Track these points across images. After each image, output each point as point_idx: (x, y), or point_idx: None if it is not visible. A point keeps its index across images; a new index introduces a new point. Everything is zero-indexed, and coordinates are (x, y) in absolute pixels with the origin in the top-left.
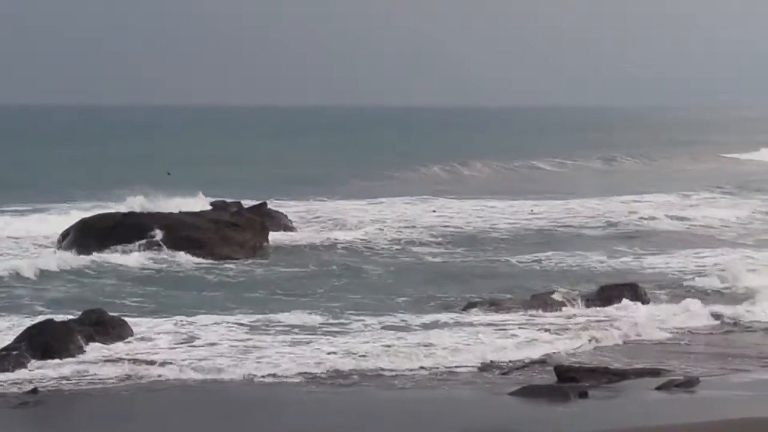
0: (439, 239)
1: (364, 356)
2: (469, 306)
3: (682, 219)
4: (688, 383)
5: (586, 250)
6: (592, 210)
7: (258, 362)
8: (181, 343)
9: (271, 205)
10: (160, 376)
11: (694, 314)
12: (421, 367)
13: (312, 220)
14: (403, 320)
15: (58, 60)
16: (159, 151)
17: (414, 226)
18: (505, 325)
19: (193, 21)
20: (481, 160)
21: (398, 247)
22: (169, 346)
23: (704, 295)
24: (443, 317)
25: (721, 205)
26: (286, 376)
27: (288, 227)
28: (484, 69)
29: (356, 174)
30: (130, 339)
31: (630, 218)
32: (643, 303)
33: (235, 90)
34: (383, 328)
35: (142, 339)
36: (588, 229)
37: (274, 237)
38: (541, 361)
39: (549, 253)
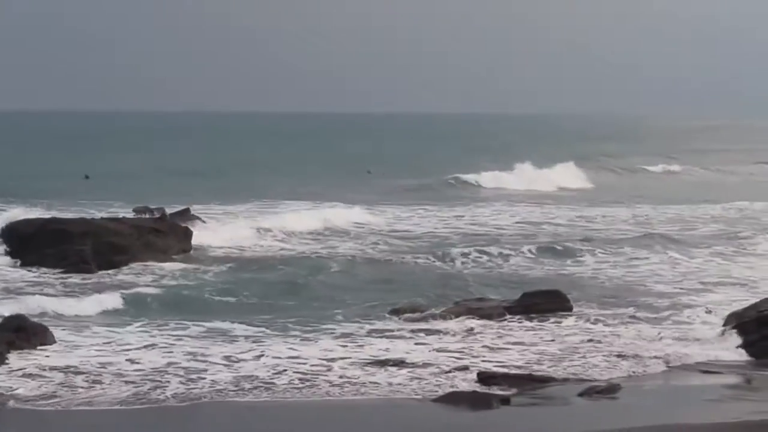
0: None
1: (291, 364)
2: (393, 312)
3: None
4: (610, 389)
5: None
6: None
7: (189, 378)
8: (106, 355)
9: (197, 210)
10: (79, 390)
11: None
12: (343, 375)
13: (241, 226)
14: (329, 327)
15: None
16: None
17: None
18: (424, 331)
19: (179, 24)
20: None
21: (328, 253)
22: (91, 356)
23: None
24: (368, 324)
25: None
26: (217, 390)
27: (214, 233)
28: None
29: (296, 180)
30: (51, 347)
31: None
32: (565, 310)
33: (218, 96)
34: (309, 334)
35: (64, 347)
36: None
37: (199, 243)
38: (464, 368)
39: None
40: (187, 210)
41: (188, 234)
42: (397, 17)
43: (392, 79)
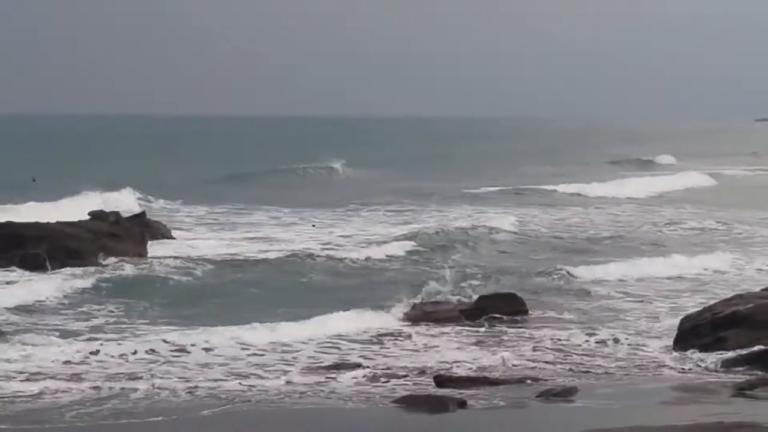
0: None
1: (244, 368)
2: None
3: None
4: (567, 392)
5: None
6: None
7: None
8: (67, 360)
9: (155, 213)
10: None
11: None
12: (298, 380)
13: (196, 229)
14: (283, 331)
15: None
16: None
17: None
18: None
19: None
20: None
21: (280, 257)
22: (43, 362)
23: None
24: (323, 327)
25: None
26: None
27: (168, 237)
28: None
29: (256, 182)
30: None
31: None
32: (521, 314)
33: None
34: (265, 337)
35: (19, 351)
36: None
37: (154, 247)
38: (420, 371)
39: None
40: (143, 214)
41: (144, 238)
42: (386, 19)
43: (383, 81)
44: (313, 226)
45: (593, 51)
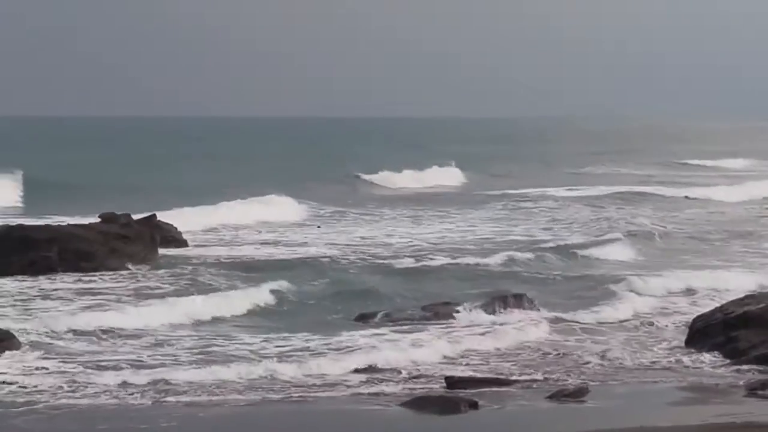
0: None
1: (255, 369)
2: (360, 318)
3: None
4: (578, 393)
5: None
6: None
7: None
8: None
9: (164, 216)
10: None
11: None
12: (311, 381)
13: (205, 233)
14: (293, 334)
15: None
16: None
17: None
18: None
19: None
20: None
21: (289, 260)
22: (56, 364)
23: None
24: (336, 330)
25: None
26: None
27: (178, 240)
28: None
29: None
30: (16, 353)
31: None
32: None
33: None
34: (269, 341)
35: (31, 352)
36: None
37: (163, 250)
38: (431, 373)
39: None
40: (153, 216)
41: (154, 240)
42: (397, 17)
43: (390, 81)
44: (318, 227)
45: (600, 50)
